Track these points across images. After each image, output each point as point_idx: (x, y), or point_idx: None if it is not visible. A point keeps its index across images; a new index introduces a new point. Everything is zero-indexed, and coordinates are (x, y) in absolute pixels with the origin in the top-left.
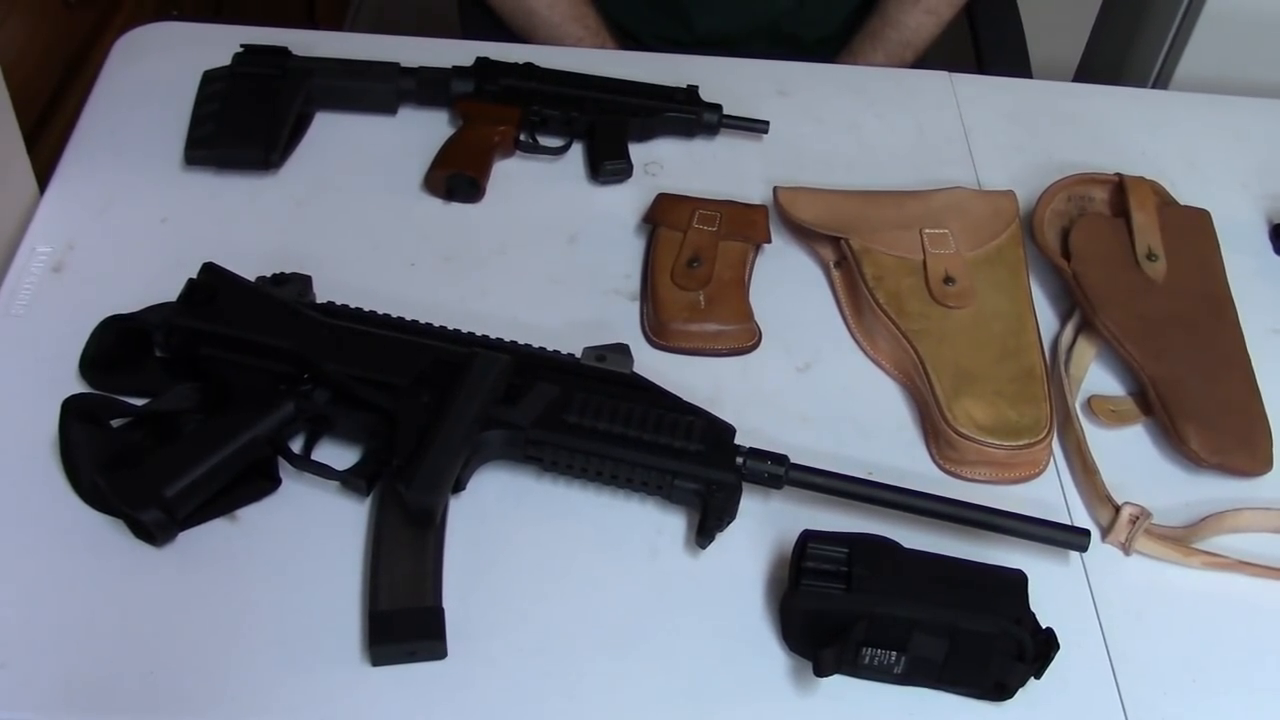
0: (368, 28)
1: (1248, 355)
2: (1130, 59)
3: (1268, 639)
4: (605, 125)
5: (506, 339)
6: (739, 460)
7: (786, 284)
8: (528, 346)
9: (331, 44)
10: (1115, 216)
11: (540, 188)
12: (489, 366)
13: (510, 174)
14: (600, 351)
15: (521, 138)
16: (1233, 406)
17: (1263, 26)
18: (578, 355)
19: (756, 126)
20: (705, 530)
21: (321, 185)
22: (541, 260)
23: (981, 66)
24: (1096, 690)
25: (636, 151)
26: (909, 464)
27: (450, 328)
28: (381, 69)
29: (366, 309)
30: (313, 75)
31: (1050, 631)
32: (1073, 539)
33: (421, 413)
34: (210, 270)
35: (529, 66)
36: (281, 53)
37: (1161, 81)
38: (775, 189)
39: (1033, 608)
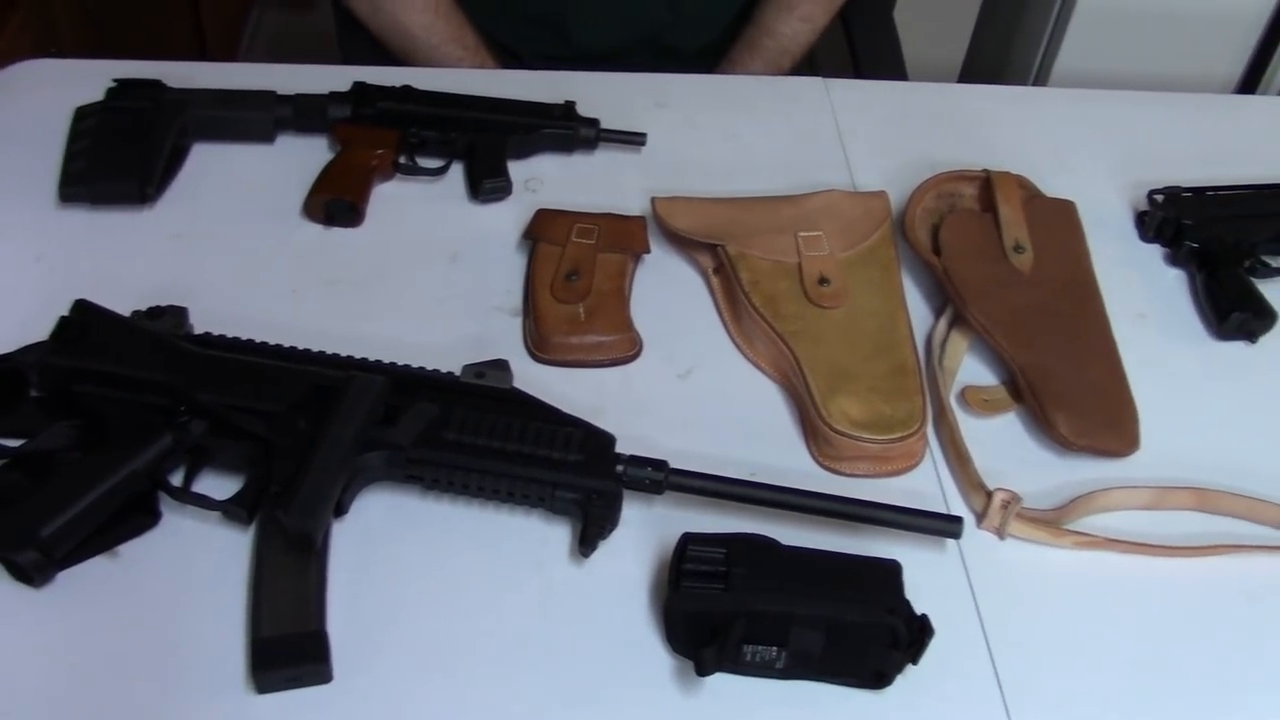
0: (262, 57)
1: (1113, 340)
2: (1010, 59)
3: (1138, 612)
4: (483, 144)
5: (387, 360)
6: (619, 468)
7: (667, 292)
8: (406, 367)
9: (209, 75)
10: (984, 212)
11: (421, 209)
12: (365, 389)
13: (391, 196)
14: (479, 368)
15: (400, 160)
16: (1099, 390)
17: (1131, 20)
18: (458, 374)
19: (634, 139)
20: (587, 539)
21: (200, 216)
22: (424, 280)
23: (859, 71)
24: (974, 672)
25: (516, 169)
26: (791, 463)
27: (329, 352)
28: (257, 98)
29: (244, 338)
30: (187, 106)
31: (924, 618)
32: (946, 527)
33: (299, 438)
34: (81, 307)
35: (406, 89)
36: (154, 85)
37: (1041, 80)
38: (653, 199)
39: (911, 596)
